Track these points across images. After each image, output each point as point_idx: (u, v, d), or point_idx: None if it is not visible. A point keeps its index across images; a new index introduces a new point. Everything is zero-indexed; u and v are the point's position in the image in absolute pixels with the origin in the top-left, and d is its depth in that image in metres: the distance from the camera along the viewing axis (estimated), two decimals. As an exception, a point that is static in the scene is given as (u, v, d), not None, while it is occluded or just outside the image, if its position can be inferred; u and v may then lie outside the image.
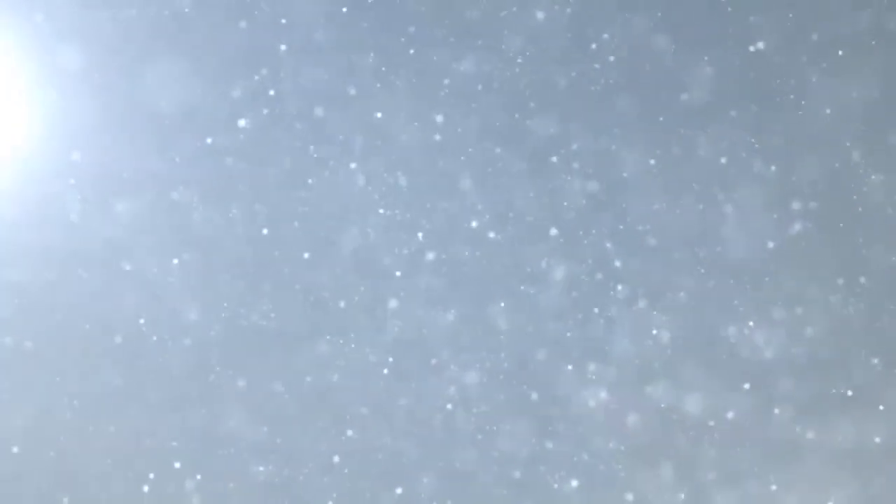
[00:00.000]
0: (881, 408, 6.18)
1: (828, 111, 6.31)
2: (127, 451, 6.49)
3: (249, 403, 6.47)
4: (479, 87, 6.49)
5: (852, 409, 6.16)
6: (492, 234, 6.60)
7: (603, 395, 6.39)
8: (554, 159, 6.52)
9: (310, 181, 6.48)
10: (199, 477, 6.47)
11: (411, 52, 6.46)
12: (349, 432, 6.52)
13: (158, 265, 6.51)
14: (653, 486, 6.27)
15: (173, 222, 6.51)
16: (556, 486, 6.36)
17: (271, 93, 6.48)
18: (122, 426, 6.52)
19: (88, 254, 6.49)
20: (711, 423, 6.27)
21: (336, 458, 6.53)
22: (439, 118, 6.45)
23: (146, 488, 6.44)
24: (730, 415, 6.26)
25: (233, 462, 6.47)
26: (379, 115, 6.47)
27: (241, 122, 6.51)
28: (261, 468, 6.44)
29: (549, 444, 6.40)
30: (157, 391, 6.50)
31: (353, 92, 6.48)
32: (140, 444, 6.42)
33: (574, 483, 6.35)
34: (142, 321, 6.47)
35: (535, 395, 6.49)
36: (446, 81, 6.46)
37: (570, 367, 6.41)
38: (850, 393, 6.17)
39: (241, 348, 6.56)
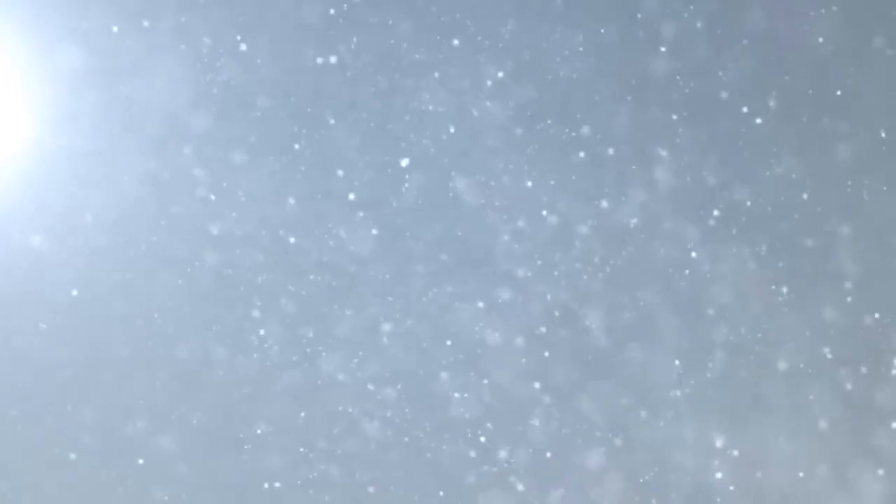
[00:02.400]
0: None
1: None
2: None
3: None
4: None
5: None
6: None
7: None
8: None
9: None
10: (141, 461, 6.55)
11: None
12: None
13: (159, 264, 6.58)
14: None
15: (174, 222, 6.56)
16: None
17: (273, 90, 6.52)
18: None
19: (88, 253, 6.53)
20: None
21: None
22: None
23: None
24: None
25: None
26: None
27: (243, 122, 6.56)
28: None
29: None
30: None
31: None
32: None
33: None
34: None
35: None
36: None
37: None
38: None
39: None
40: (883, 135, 6.24)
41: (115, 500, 6.54)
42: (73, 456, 6.50)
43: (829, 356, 6.22)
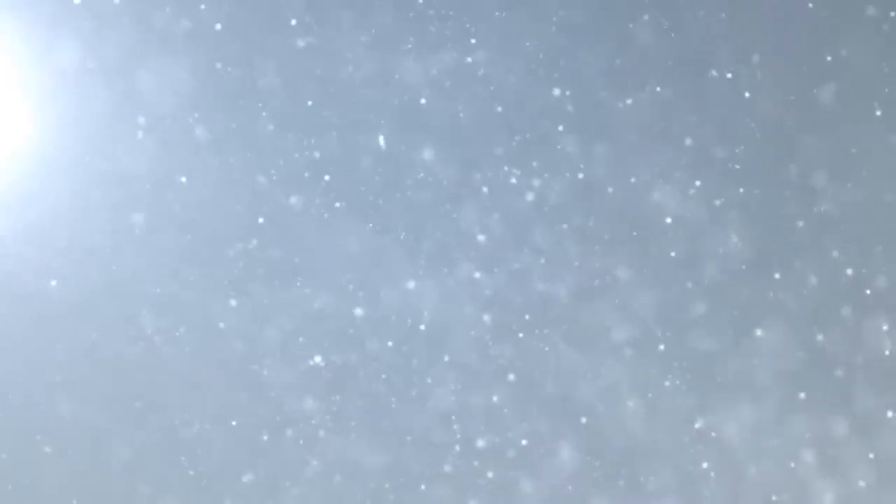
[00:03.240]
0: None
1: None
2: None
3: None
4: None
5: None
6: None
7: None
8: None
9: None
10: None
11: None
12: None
13: (158, 263, 6.63)
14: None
15: (173, 222, 6.59)
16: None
17: (272, 90, 6.57)
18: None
19: (88, 253, 6.58)
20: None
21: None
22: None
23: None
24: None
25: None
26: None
27: (240, 123, 6.62)
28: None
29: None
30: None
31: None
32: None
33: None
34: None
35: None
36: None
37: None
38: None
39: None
40: (878, 113, 6.24)
41: (94, 495, 6.50)
42: (47, 449, 6.46)
43: (819, 338, 6.21)
